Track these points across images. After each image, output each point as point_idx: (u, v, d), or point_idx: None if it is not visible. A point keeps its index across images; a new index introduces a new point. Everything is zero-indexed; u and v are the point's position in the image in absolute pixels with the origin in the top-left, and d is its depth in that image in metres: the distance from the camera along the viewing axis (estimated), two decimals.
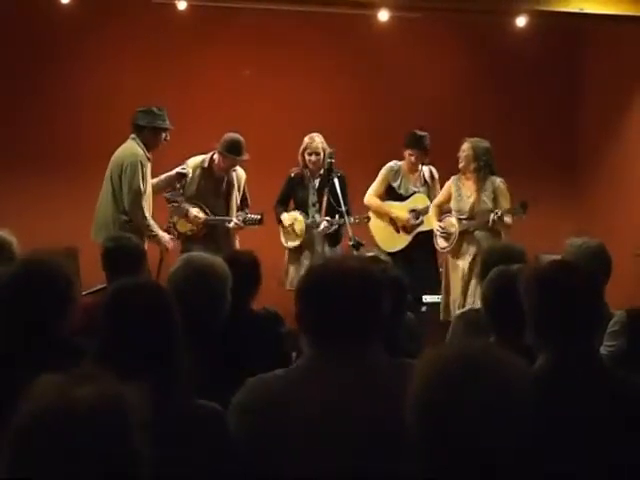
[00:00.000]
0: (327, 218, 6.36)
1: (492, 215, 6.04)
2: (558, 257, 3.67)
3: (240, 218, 6.38)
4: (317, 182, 6.49)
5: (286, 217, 6.52)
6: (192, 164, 6.39)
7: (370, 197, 6.79)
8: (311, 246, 6.46)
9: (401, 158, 6.76)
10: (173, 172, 6.29)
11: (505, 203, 6.16)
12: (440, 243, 6.39)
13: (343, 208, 6.12)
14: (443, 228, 6.34)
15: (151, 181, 6.03)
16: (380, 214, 6.75)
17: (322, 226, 6.33)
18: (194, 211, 6.32)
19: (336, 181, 6.21)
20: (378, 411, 2.06)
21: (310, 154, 6.42)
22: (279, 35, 7.78)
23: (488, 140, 6.26)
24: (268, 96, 7.84)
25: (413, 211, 6.69)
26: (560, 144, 8.34)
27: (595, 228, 7.00)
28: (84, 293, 4.37)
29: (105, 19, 7.53)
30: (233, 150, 6.25)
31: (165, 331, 2.19)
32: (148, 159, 5.91)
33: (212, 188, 6.40)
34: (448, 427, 1.59)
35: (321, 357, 2.17)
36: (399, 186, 6.76)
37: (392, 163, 6.79)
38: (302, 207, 6.55)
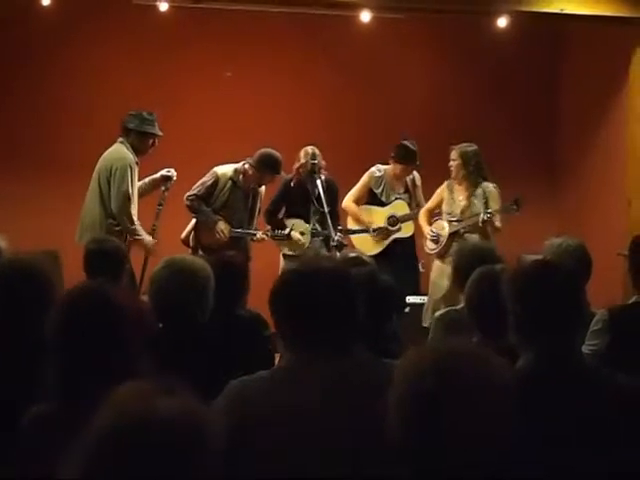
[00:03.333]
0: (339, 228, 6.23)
1: (482, 215, 6.04)
2: (540, 257, 3.68)
3: (268, 233, 6.38)
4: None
5: (294, 233, 6.36)
6: (221, 174, 6.35)
7: (348, 202, 6.75)
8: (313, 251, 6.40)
9: (385, 161, 6.73)
10: (158, 175, 6.22)
11: (495, 206, 6.15)
12: (429, 245, 6.37)
13: (326, 209, 6.11)
14: (433, 231, 6.33)
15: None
16: (357, 219, 6.74)
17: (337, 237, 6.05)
18: (221, 225, 6.28)
19: (318, 182, 6.21)
20: (360, 412, 2.06)
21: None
22: (261, 37, 7.77)
23: (469, 141, 6.26)
24: (249, 98, 7.83)
25: (391, 217, 6.68)
26: (540, 145, 8.37)
27: (576, 227, 7.03)
28: None
29: (86, 21, 7.51)
30: (273, 167, 6.25)
31: (115, 333, 2.14)
32: (137, 163, 5.87)
33: (241, 201, 6.39)
34: (430, 426, 1.59)
35: (299, 360, 2.17)
36: (381, 193, 6.71)
37: (375, 169, 6.73)
38: (299, 215, 6.47)
